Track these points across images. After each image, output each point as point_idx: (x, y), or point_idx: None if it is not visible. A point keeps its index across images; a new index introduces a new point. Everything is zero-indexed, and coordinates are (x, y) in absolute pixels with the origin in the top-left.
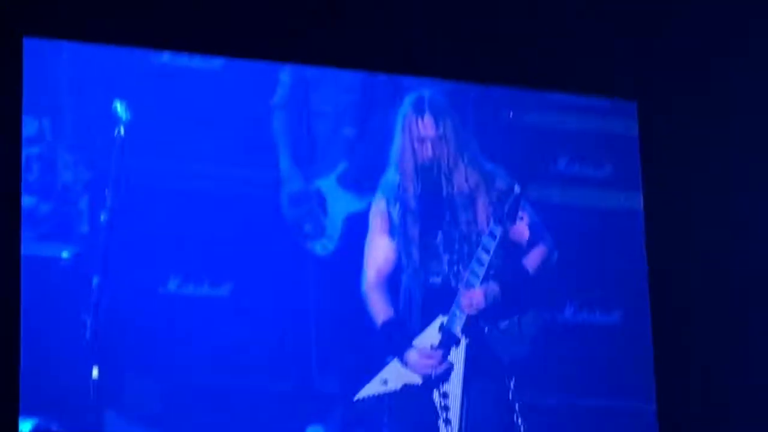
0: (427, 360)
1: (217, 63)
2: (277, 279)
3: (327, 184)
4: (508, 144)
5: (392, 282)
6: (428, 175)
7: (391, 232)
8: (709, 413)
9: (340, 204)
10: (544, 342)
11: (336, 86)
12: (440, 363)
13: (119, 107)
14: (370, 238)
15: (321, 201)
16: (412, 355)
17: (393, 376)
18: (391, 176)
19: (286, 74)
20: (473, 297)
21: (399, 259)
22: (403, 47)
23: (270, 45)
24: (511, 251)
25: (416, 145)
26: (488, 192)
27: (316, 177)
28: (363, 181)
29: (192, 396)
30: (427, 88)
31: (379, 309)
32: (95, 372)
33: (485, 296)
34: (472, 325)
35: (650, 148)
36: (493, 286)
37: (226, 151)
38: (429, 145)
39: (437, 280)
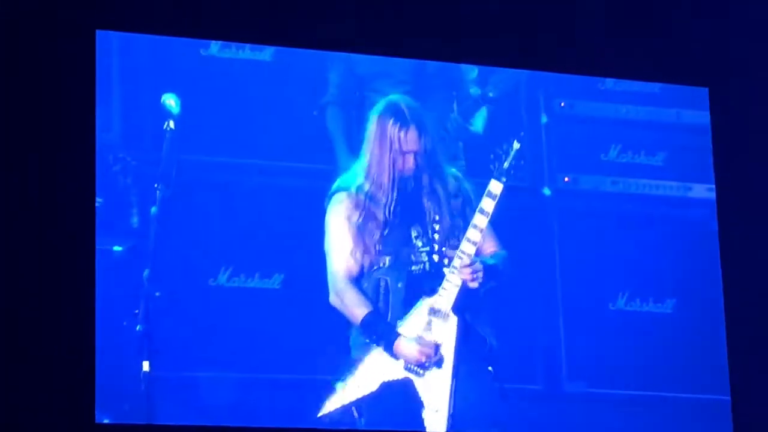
0: (423, 348)
1: (266, 54)
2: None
3: None
4: (559, 132)
5: (364, 280)
6: (405, 185)
7: (359, 229)
8: None
9: None
10: (596, 331)
11: (387, 77)
12: (435, 353)
13: (168, 100)
14: (334, 240)
15: None
16: (402, 344)
17: (367, 378)
18: (357, 178)
19: (337, 66)
20: (470, 270)
21: (368, 256)
22: (453, 34)
23: (319, 35)
24: None
25: (398, 157)
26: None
27: None
28: None
29: (242, 387)
30: (397, 93)
31: (356, 306)
32: (146, 365)
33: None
34: (463, 304)
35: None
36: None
37: (276, 144)
38: (412, 158)
39: (418, 268)
